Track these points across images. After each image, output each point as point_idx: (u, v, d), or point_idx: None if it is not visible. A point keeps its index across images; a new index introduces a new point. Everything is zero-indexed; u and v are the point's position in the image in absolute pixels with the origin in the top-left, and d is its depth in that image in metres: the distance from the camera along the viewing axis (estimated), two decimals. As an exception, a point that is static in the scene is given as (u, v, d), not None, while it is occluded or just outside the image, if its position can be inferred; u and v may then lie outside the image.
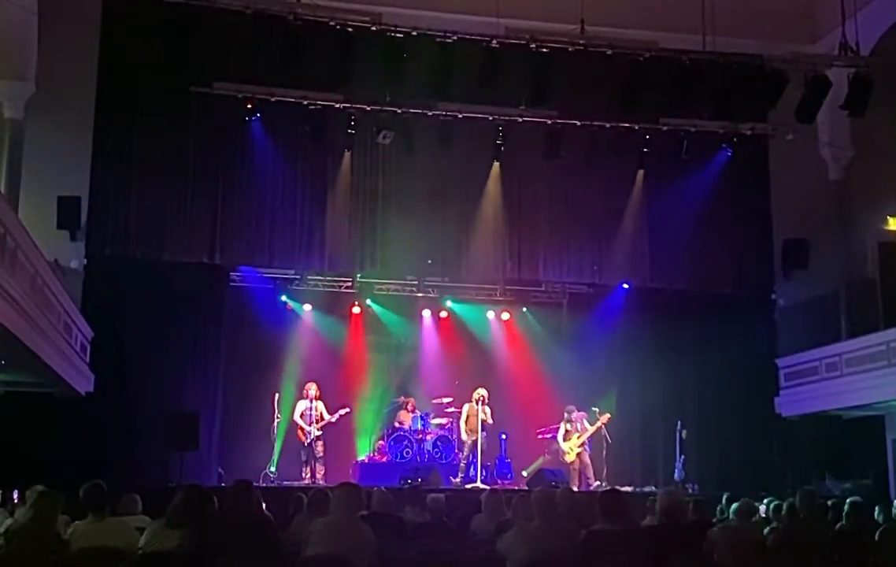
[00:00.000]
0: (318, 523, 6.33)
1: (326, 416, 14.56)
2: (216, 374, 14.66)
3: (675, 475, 14.30)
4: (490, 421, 14.64)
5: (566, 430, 14.63)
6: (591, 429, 14.56)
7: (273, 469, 14.36)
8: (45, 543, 5.76)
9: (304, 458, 14.48)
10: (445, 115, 13.71)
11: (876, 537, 7.03)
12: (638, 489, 14.11)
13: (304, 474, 14.36)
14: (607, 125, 14.26)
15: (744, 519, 7.08)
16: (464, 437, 14.63)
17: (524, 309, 17.44)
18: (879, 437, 15.45)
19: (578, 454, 14.51)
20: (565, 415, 14.72)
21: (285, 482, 14.00)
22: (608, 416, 14.62)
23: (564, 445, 14.58)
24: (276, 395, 14.69)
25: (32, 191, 13.33)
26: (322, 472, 14.43)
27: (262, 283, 16.04)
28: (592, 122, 14.23)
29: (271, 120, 13.92)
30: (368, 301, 16.81)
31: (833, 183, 16.20)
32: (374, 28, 12.66)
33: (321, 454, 14.54)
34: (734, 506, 7.20)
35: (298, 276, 16.23)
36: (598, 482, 14.28)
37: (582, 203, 15.58)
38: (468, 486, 13.73)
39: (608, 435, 14.70)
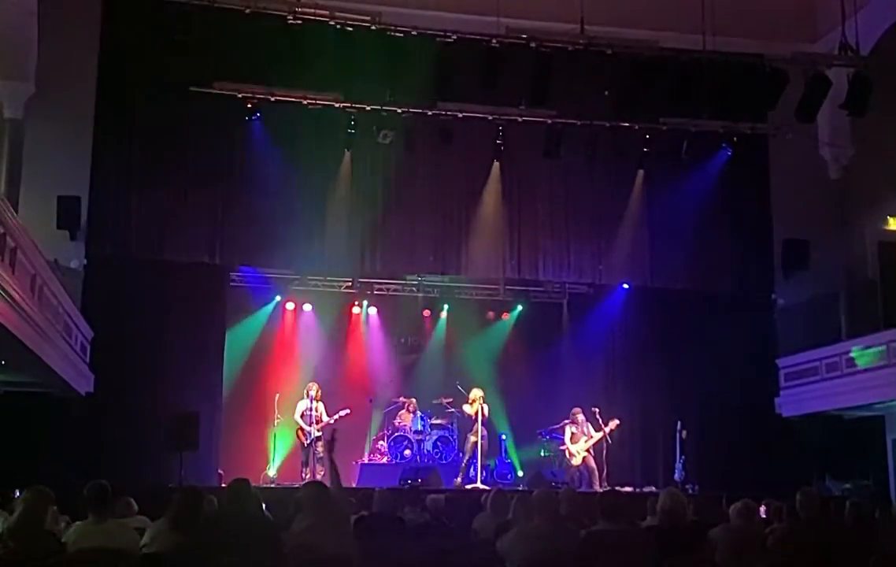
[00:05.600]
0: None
1: (326, 417, 14.55)
2: (216, 374, 14.65)
3: (675, 475, 14.28)
4: (487, 415, 14.63)
5: (572, 433, 14.61)
6: (599, 435, 14.53)
7: (272, 473, 14.35)
8: (38, 541, 5.77)
9: (303, 458, 14.47)
10: (445, 115, 13.72)
11: (876, 537, 7.03)
12: (638, 489, 14.11)
13: (304, 475, 14.34)
14: (607, 125, 14.27)
15: (744, 519, 7.08)
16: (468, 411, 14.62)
17: (524, 308, 17.44)
18: (879, 437, 15.45)
19: (584, 458, 14.50)
20: (571, 417, 14.68)
21: (285, 482, 14.00)
22: (617, 422, 14.57)
23: (572, 448, 14.56)
24: (277, 395, 14.67)
25: (32, 191, 13.32)
26: (322, 473, 14.40)
27: (262, 283, 16.05)
28: (592, 122, 14.24)
29: (271, 120, 13.92)
30: (367, 301, 16.82)
31: (833, 183, 16.19)
32: (373, 28, 12.66)
33: (321, 455, 14.52)
34: (734, 506, 7.19)
35: (298, 276, 16.23)
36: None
37: (582, 203, 15.58)
38: (468, 487, 13.73)
39: (609, 436, 14.68)
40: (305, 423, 14.45)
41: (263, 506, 8.56)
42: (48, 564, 5.58)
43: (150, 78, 13.94)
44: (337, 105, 13.74)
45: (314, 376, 15.11)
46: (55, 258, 12.59)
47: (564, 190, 15.51)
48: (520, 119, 14.16)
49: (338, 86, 13.46)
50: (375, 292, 16.82)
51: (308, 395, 14.61)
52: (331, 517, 5.96)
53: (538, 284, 17.01)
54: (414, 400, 15.82)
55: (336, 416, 14.61)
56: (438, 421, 15.73)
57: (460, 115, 13.79)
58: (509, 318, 17.46)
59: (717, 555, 6.54)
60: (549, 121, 14.03)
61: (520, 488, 13.02)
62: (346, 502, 6.36)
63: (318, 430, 14.50)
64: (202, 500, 5.99)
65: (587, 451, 14.54)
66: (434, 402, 15.98)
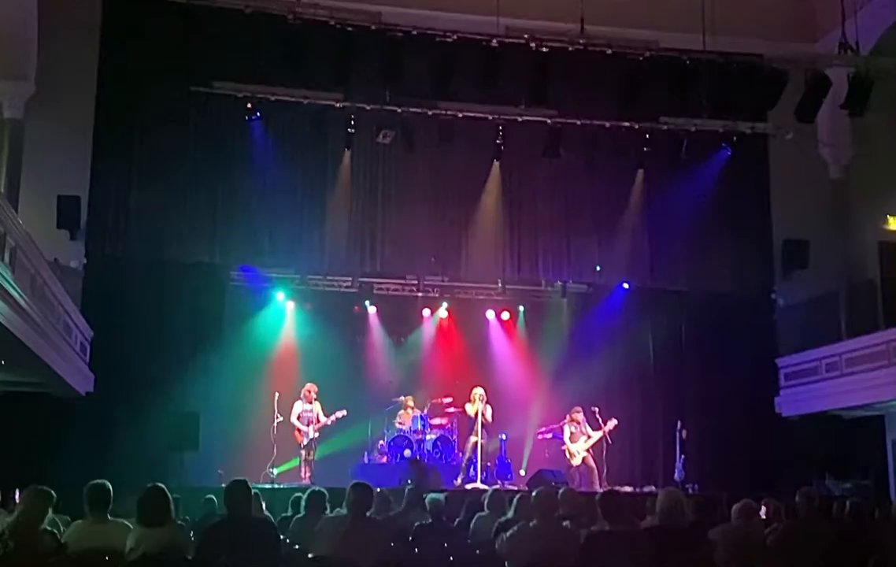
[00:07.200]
0: (325, 522, 6.41)
1: (323, 418, 14.55)
2: (216, 374, 14.63)
3: (675, 475, 14.29)
4: (490, 419, 14.68)
5: (571, 432, 14.61)
6: (598, 434, 14.54)
7: (276, 471, 14.33)
8: (37, 541, 5.77)
9: (302, 458, 14.48)
10: (445, 115, 13.72)
11: (876, 537, 7.03)
12: (638, 489, 14.11)
13: (303, 474, 14.35)
14: (607, 125, 14.27)
15: (744, 519, 7.08)
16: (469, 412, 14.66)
17: (524, 309, 17.44)
18: (879, 437, 15.46)
19: (584, 458, 14.51)
20: (571, 417, 14.68)
21: (285, 483, 13.99)
22: (615, 422, 14.60)
23: (572, 447, 14.56)
24: (277, 395, 14.67)
25: (32, 191, 13.32)
26: (308, 475, 14.37)
27: (262, 283, 16.04)
28: (592, 122, 14.23)
29: (271, 120, 13.92)
30: (367, 301, 16.82)
31: (833, 183, 16.19)
32: (374, 28, 12.68)
33: (312, 458, 14.52)
34: (734, 506, 7.19)
35: (298, 276, 16.23)
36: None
37: (582, 203, 15.59)
38: (468, 487, 13.73)
39: (609, 436, 14.69)
40: (303, 425, 14.45)
41: (263, 505, 8.57)
42: (48, 564, 5.58)
43: (150, 77, 13.95)
44: (337, 105, 13.74)
45: (314, 376, 15.10)
46: (55, 258, 12.61)
47: (564, 190, 15.52)
48: (520, 119, 14.16)
49: (338, 86, 13.45)
50: (375, 292, 16.81)
51: (305, 397, 14.62)
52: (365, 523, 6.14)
53: (538, 284, 17.01)
54: (413, 399, 15.79)
55: (333, 417, 14.61)
56: (438, 421, 15.71)
57: (460, 115, 13.78)
58: (511, 318, 17.42)
59: (717, 555, 6.55)
60: (549, 121, 14.03)
61: (519, 488, 13.02)
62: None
63: (316, 432, 14.50)
64: (166, 496, 5.99)
65: (587, 450, 14.54)
66: (434, 402, 15.97)
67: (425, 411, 15.59)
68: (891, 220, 16.25)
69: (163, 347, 14.06)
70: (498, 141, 14.49)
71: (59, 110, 13.97)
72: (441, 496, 8.54)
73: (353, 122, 14.04)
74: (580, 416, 14.64)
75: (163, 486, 6.02)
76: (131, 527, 6.17)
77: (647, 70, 13.02)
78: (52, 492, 6.24)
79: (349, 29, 12.31)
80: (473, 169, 15.19)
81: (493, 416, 14.84)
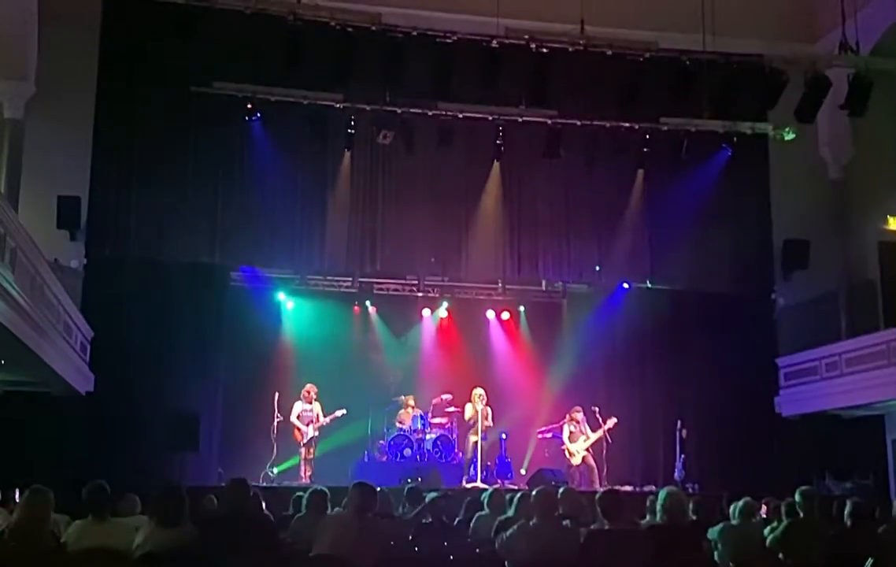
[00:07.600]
0: (329, 520, 6.42)
1: (322, 418, 14.56)
2: (216, 374, 14.65)
3: (675, 475, 14.29)
4: (490, 423, 14.72)
5: (571, 432, 14.62)
6: (597, 434, 14.54)
7: (276, 471, 14.34)
8: (39, 541, 5.77)
9: (302, 457, 14.49)
10: (445, 115, 13.71)
11: (876, 537, 7.02)
12: (638, 489, 14.11)
13: (303, 473, 14.35)
14: (607, 125, 14.26)
15: (744, 519, 7.08)
16: (466, 415, 14.71)
17: (524, 309, 17.44)
18: (879, 437, 15.46)
19: (584, 457, 14.51)
20: (570, 416, 14.69)
21: (284, 482, 14.00)
22: (615, 420, 14.61)
23: (571, 447, 14.57)
24: (276, 394, 14.67)
25: (32, 191, 13.33)
26: (309, 474, 14.37)
27: (262, 283, 16.05)
28: (592, 122, 14.23)
29: (271, 120, 13.91)
30: (367, 301, 16.83)
31: (833, 183, 16.20)
32: (374, 28, 12.67)
33: (312, 457, 14.53)
34: (735, 506, 7.20)
35: (298, 276, 16.24)
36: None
37: (582, 203, 15.60)
38: (469, 486, 13.75)
39: (609, 435, 14.70)
40: (303, 424, 14.46)
41: (263, 505, 8.57)
42: (48, 564, 5.58)
43: (150, 78, 13.96)
44: (337, 105, 13.74)
45: (314, 376, 15.10)
46: (55, 258, 12.62)
47: (564, 190, 15.53)
48: (520, 119, 14.16)
49: (338, 86, 13.46)
50: (375, 292, 16.82)
51: (305, 397, 14.62)
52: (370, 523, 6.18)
53: (538, 284, 17.02)
54: (413, 399, 15.79)
55: (331, 416, 14.62)
56: (438, 420, 15.71)
57: (460, 115, 13.78)
58: (511, 318, 17.43)
59: (717, 554, 6.56)
60: (549, 121, 14.02)
61: (519, 487, 13.02)
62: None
63: (315, 430, 14.51)
64: (183, 497, 6.00)
65: (587, 450, 14.55)
66: (434, 401, 15.97)
67: (427, 411, 15.60)
68: (891, 220, 16.24)
69: (163, 347, 14.07)
70: (498, 141, 14.49)
71: (59, 110, 13.99)
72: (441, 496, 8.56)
73: (352, 123, 14.05)
74: (580, 416, 14.65)
75: (180, 487, 6.03)
76: (132, 527, 6.18)
77: (647, 70, 13.03)
78: (52, 492, 6.24)
79: (349, 29, 12.31)
80: (473, 169, 15.20)
81: (493, 416, 14.87)
